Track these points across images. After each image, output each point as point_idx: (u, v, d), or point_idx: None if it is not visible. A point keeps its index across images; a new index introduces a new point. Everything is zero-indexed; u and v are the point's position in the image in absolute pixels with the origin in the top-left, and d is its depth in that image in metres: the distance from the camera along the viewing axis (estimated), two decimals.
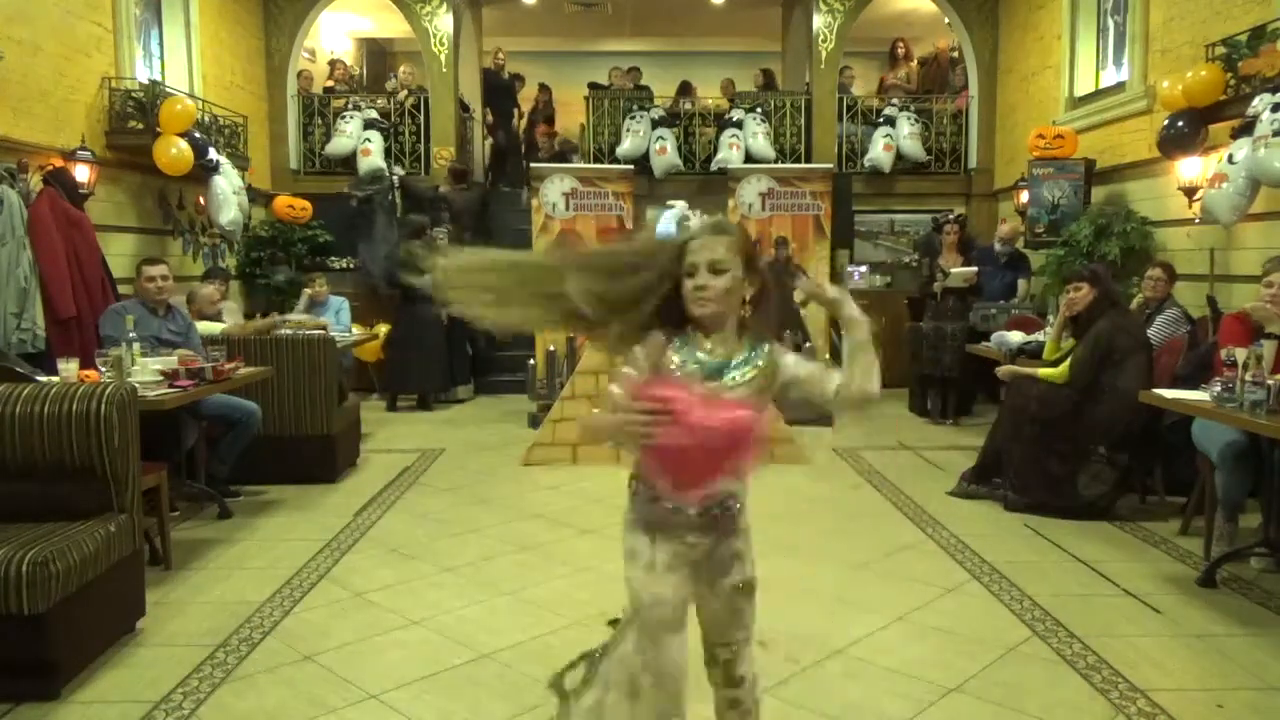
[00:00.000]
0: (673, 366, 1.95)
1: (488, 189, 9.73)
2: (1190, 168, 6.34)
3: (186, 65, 8.41)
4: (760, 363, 1.99)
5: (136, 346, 4.57)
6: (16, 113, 6.03)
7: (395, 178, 9.75)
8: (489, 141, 11.64)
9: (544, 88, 12.62)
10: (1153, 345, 5.17)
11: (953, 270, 7.58)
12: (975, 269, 7.62)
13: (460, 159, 10.18)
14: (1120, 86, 7.79)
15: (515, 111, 12.34)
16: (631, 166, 9.01)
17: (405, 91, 10.47)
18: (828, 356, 8.01)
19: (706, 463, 1.80)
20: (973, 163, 10.44)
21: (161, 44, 8.33)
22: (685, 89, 11.43)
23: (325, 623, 3.54)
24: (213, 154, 7.71)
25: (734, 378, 1.97)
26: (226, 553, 4.42)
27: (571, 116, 12.78)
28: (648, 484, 2.00)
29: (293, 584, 3.97)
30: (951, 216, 8.09)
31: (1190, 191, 6.35)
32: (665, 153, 9.94)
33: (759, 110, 10.08)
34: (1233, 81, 5.78)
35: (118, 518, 3.26)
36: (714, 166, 9.89)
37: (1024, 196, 8.36)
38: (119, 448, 3.24)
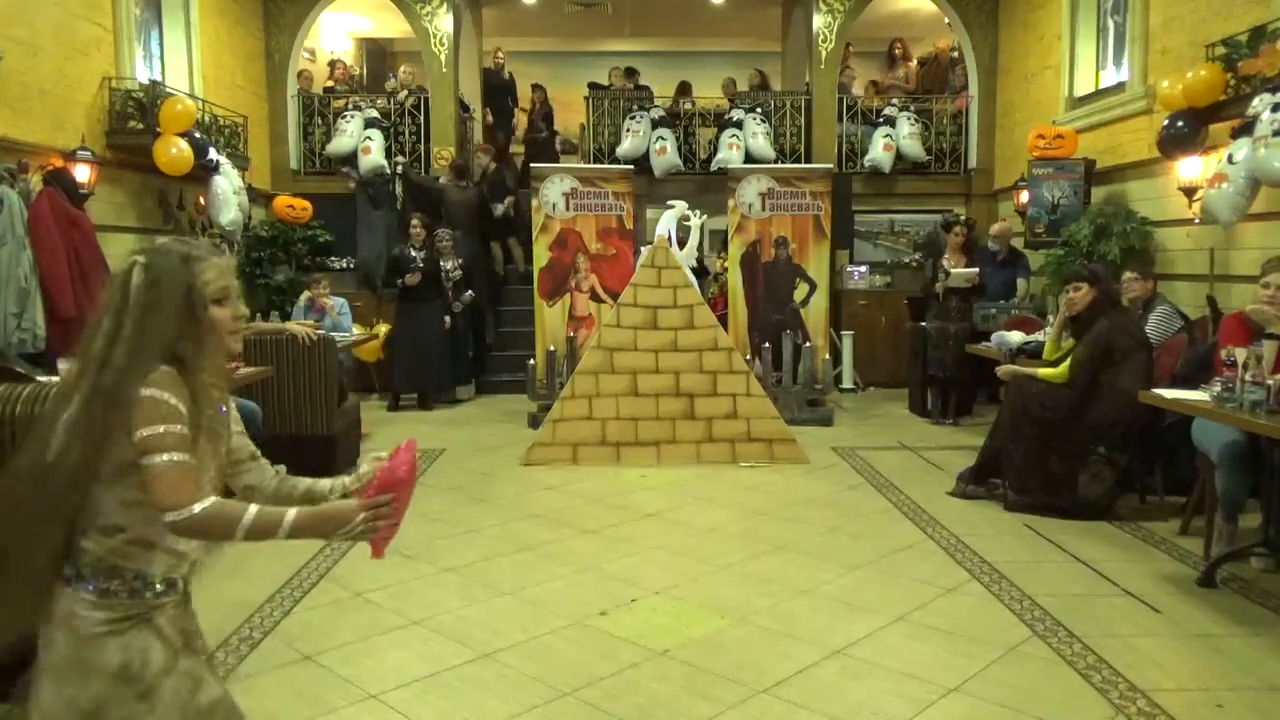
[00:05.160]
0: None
1: (486, 191, 9.73)
2: (1190, 168, 6.34)
3: (186, 65, 8.40)
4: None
5: None
6: (16, 113, 6.02)
7: (398, 166, 9.76)
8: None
9: (537, 87, 12.61)
10: (1152, 345, 5.17)
11: (954, 271, 7.60)
12: (976, 270, 7.63)
13: (461, 158, 10.18)
14: (1120, 87, 7.79)
15: (515, 111, 12.36)
16: (631, 166, 9.00)
17: (405, 91, 10.47)
18: (827, 357, 8.02)
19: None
20: (973, 163, 10.44)
21: (161, 44, 8.32)
22: (684, 89, 11.43)
23: (325, 623, 3.55)
24: (213, 154, 7.70)
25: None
26: (226, 553, 4.40)
27: (571, 116, 12.79)
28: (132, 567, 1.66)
29: (293, 584, 3.97)
30: (960, 219, 8.11)
31: (1190, 191, 6.34)
32: (665, 153, 9.93)
33: (759, 110, 10.08)
34: (1233, 81, 5.77)
35: None
36: (714, 166, 9.89)
37: (1024, 196, 8.36)
38: None
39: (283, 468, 1.96)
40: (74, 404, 1.58)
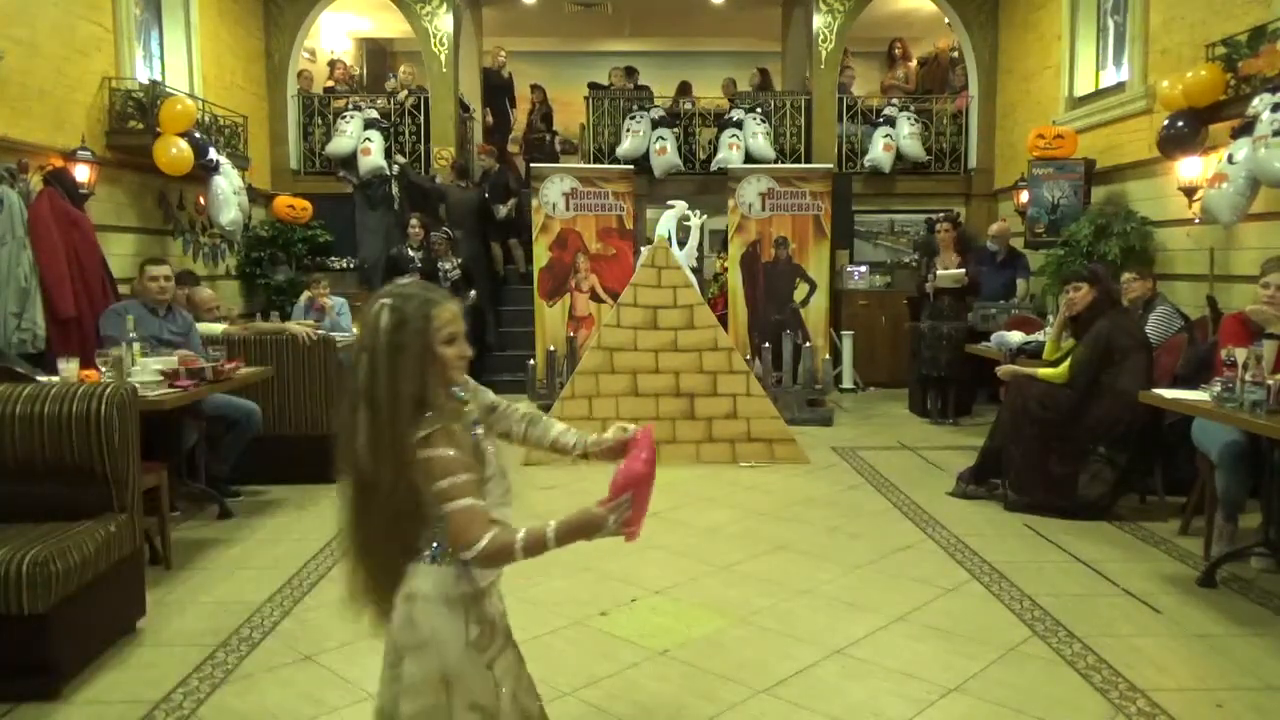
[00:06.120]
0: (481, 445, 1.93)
1: (487, 192, 9.73)
2: (1190, 168, 6.34)
3: (186, 65, 8.41)
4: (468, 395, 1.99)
5: (137, 346, 4.57)
6: (16, 113, 6.03)
7: (396, 166, 9.76)
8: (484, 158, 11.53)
9: (536, 87, 12.62)
10: (1152, 345, 5.17)
11: (941, 272, 7.56)
12: (963, 271, 7.59)
13: (461, 158, 10.18)
14: (1120, 86, 7.79)
15: (514, 112, 12.36)
16: (631, 166, 9.01)
17: (405, 91, 10.47)
18: (827, 357, 8.02)
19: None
20: (973, 163, 10.44)
21: (161, 44, 8.32)
22: (684, 89, 11.43)
23: (325, 623, 3.54)
24: (213, 154, 7.70)
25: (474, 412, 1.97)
26: (226, 553, 4.42)
27: (571, 116, 12.79)
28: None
29: (293, 584, 3.97)
30: (942, 215, 8.07)
31: (1190, 191, 6.35)
32: (665, 153, 9.94)
33: (759, 110, 10.09)
34: (1233, 81, 5.78)
35: (118, 518, 3.26)
36: (714, 166, 9.89)
37: (1024, 196, 8.36)
38: (119, 448, 3.24)
39: (530, 409, 2.15)
40: (360, 433, 1.81)
